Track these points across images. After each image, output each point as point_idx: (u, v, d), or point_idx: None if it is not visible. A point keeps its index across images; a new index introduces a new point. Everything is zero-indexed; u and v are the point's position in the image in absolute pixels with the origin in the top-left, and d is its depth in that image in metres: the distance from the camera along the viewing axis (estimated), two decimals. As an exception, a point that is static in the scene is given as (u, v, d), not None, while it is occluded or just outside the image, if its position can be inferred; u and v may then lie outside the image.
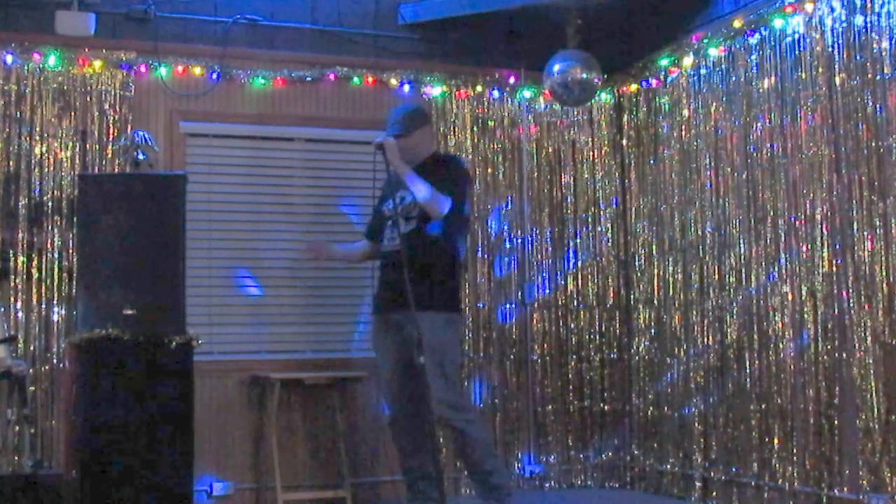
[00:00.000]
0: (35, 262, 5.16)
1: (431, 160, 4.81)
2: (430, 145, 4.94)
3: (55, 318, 5.17)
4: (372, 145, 4.72)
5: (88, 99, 5.34)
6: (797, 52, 4.79)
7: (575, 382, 6.07)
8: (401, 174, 4.64)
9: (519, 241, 6.07)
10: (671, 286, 5.73)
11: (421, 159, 4.77)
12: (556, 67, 5.64)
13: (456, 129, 6.00)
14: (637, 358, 6.02)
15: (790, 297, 4.81)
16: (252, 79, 5.67)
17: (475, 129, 6.04)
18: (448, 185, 4.63)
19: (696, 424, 5.44)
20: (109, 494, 4.50)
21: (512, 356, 5.96)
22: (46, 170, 5.23)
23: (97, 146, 5.32)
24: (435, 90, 5.97)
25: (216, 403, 5.42)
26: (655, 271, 5.88)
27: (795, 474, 4.75)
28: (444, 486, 4.89)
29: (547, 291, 6.08)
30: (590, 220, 6.20)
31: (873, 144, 4.37)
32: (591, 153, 6.25)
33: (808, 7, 4.69)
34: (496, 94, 6.10)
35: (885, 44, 4.31)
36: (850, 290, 4.46)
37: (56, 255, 5.19)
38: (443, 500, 4.65)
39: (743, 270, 5.15)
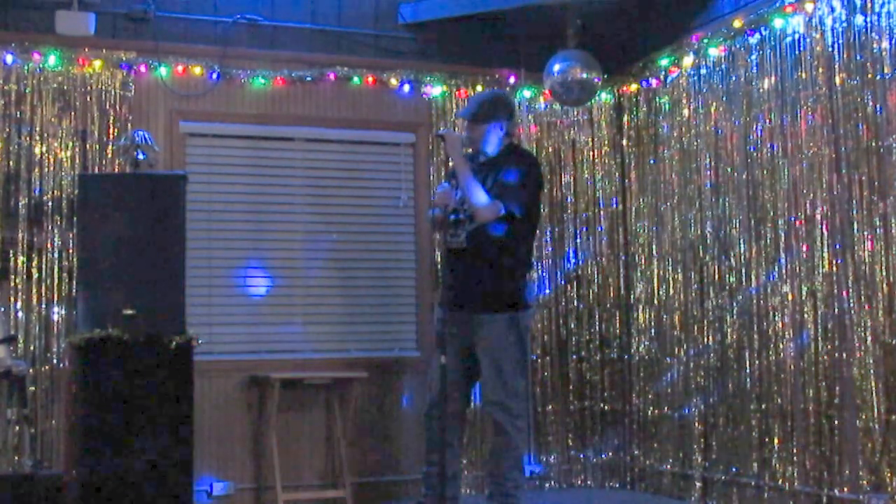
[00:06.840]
0: (35, 262, 5.16)
1: (505, 154, 4.59)
2: (504, 139, 4.62)
3: (55, 318, 5.17)
4: (435, 136, 4.63)
5: (88, 99, 5.34)
6: (797, 52, 4.79)
7: (575, 382, 6.07)
8: (458, 172, 4.49)
9: (519, 241, 6.06)
10: (671, 286, 5.73)
11: (494, 150, 4.58)
12: (556, 67, 5.64)
13: (456, 129, 5.98)
14: (637, 358, 6.01)
15: (790, 297, 4.81)
16: (252, 79, 5.66)
17: (475, 129, 6.04)
18: (513, 188, 4.43)
19: (696, 424, 5.44)
20: (109, 494, 4.49)
21: (512, 356, 5.96)
22: (46, 170, 5.24)
23: (97, 146, 5.33)
24: (435, 90, 5.97)
25: (216, 403, 5.42)
26: (655, 271, 5.88)
27: (795, 474, 4.75)
28: (460, 486, 4.92)
29: (547, 291, 6.08)
30: (590, 220, 6.20)
31: (873, 144, 4.37)
32: (591, 153, 6.24)
33: (808, 7, 4.69)
34: (496, 94, 6.10)
35: (885, 44, 4.31)
36: (850, 290, 4.46)
37: (56, 255, 5.20)
38: (457, 499, 4.68)
39: (743, 270, 5.15)
